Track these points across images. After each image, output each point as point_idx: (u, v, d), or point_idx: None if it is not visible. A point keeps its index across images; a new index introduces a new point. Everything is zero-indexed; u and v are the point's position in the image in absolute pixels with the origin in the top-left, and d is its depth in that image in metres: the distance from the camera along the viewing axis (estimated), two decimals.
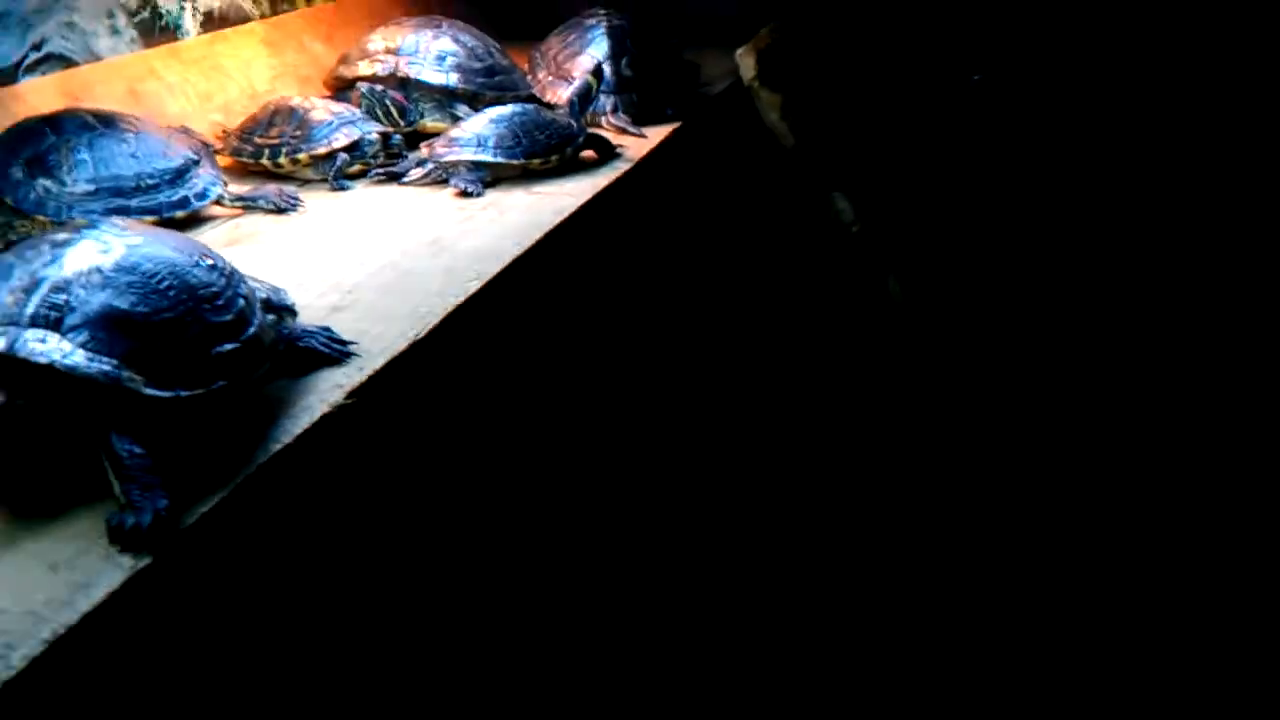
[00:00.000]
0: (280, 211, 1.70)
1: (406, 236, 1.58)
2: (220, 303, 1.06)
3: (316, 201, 1.77)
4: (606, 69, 2.14)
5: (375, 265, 1.48)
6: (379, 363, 1.21)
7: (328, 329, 1.24)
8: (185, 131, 1.77)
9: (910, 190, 2.60)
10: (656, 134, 2.09)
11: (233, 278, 1.11)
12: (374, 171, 1.86)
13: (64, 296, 0.97)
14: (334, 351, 1.21)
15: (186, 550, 0.91)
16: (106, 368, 0.94)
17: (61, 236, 1.05)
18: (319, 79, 2.17)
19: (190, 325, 1.02)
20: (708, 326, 2.34)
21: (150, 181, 1.61)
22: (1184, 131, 2.23)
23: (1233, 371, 2.09)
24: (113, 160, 1.59)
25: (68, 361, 0.93)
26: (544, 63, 2.30)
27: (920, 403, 2.38)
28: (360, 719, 1.23)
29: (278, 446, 1.05)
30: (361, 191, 1.83)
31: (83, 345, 0.95)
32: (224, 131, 1.94)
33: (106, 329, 0.97)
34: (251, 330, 1.08)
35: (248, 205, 1.71)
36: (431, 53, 2.03)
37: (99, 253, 1.01)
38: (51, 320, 0.96)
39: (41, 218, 1.52)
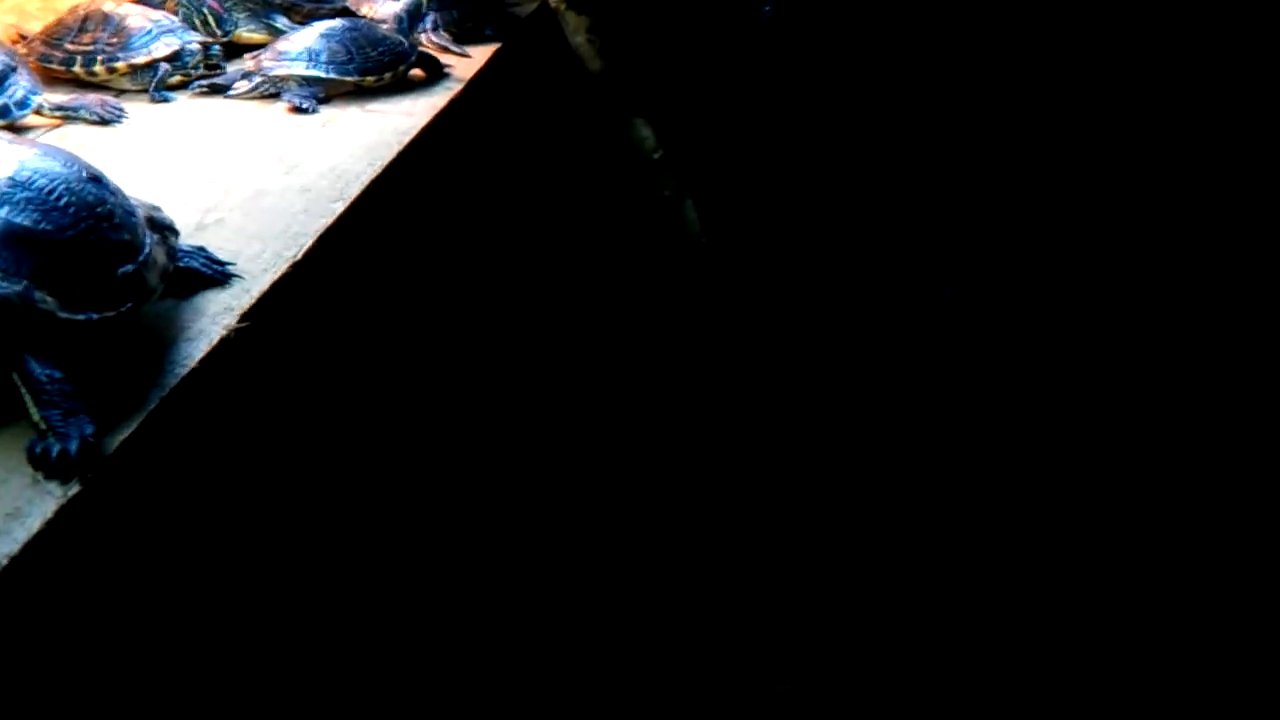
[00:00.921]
0: (104, 123, 1.61)
1: (251, 153, 1.53)
2: (117, 221, 1.02)
3: (139, 113, 1.68)
4: None
5: (228, 182, 1.43)
6: (265, 283, 1.18)
7: (203, 249, 1.20)
8: None
9: (710, 118, 2.67)
10: (479, 54, 2.08)
11: (119, 194, 1.07)
12: (196, 83, 1.78)
13: None
14: (214, 272, 1.18)
15: (113, 477, 0.89)
16: (18, 288, 0.89)
17: None
18: None
19: (93, 244, 0.97)
20: (518, 259, 2.35)
21: None
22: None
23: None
24: None
25: None
26: None
27: (720, 339, 2.45)
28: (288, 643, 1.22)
29: (183, 371, 1.02)
30: (185, 103, 1.75)
31: None
32: (19, 35, 1.80)
33: (11, 248, 0.92)
34: (147, 250, 1.04)
35: (68, 115, 1.61)
36: None
37: None
38: None
39: None
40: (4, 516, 0.82)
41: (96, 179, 1.05)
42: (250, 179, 1.45)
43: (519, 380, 2.00)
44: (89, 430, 0.87)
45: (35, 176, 0.96)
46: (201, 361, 1.04)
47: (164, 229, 1.13)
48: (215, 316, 1.11)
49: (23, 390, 0.89)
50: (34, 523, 0.81)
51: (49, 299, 0.91)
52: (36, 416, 0.88)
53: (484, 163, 2.05)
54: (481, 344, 1.94)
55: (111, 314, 0.96)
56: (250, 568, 1.15)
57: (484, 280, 2.04)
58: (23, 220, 0.93)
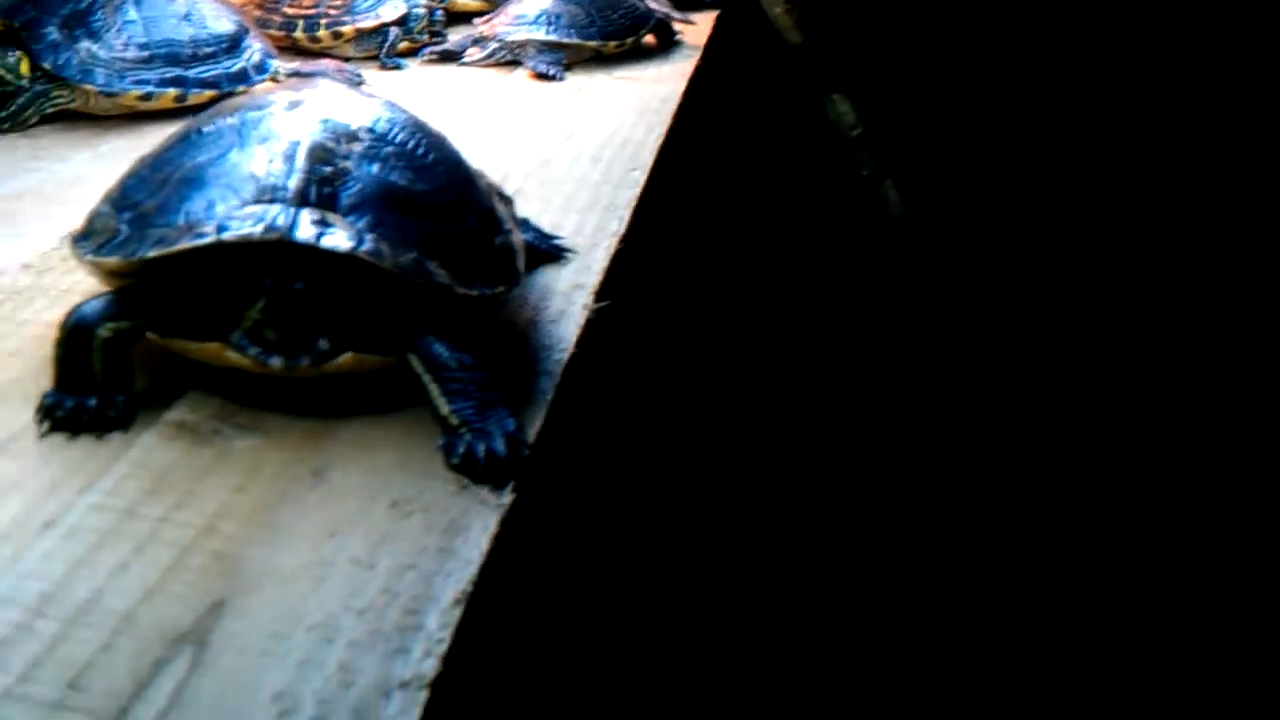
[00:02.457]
0: None
1: (519, 121, 1.39)
2: (479, 183, 0.87)
3: (374, 80, 1.54)
4: None
5: (509, 151, 1.29)
6: (603, 258, 1.04)
7: (528, 220, 1.05)
8: None
9: (914, 95, 2.50)
10: (702, 20, 1.93)
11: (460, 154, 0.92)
12: (425, 50, 1.64)
13: (329, 169, 0.77)
14: (549, 247, 1.03)
15: (537, 479, 0.74)
16: (410, 258, 0.75)
17: (283, 95, 0.84)
18: None
19: (468, 209, 0.83)
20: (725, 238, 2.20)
21: (207, 49, 1.36)
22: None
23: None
24: (164, 21, 1.34)
25: (370, 249, 0.73)
26: None
27: (918, 320, 2.29)
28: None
29: (562, 356, 0.87)
30: (417, 71, 1.61)
31: (370, 230, 0.75)
32: None
33: (393, 212, 0.77)
34: (505, 219, 0.89)
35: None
36: None
37: (345, 116, 0.81)
38: (324, 197, 0.75)
39: (89, 87, 1.26)
40: (441, 533, 0.67)
41: (442, 135, 0.90)
42: (532, 148, 1.31)
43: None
44: (510, 426, 0.72)
45: (394, 129, 0.82)
46: (576, 344, 0.89)
47: (503, 197, 0.99)
48: (568, 295, 0.97)
49: (426, 378, 0.74)
50: (480, 538, 0.66)
51: (440, 271, 0.76)
52: (445, 409, 0.73)
53: (709, 134, 1.90)
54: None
55: (502, 289, 0.81)
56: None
57: (701, 258, 1.89)
58: (399, 180, 0.79)
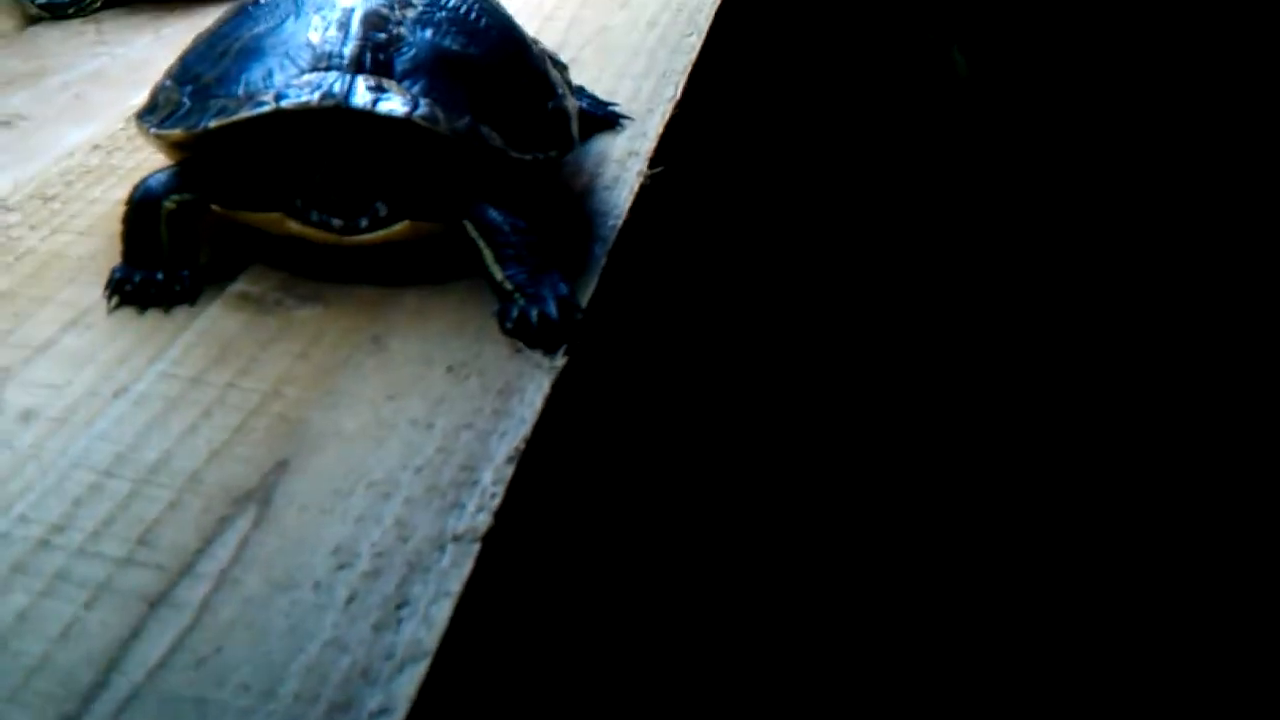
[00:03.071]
0: None
1: None
2: (532, 49, 0.87)
3: None
4: None
5: (565, 19, 1.28)
6: (657, 124, 1.03)
7: (583, 88, 1.04)
8: None
9: (1028, 44, 2.41)
10: None
11: (513, 20, 0.91)
12: None
13: (384, 35, 0.77)
14: (604, 113, 1.02)
15: (588, 344, 0.75)
16: (464, 122, 0.75)
17: None
18: None
19: (520, 75, 0.83)
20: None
21: None
22: None
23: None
24: None
25: (425, 113, 0.74)
26: None
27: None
28: None
29: (616, 222, 0.88)
30: None
31: (425, 95, 0.75)
32: None
33: (445, 77, 0.77)
34: (558, 84, 0.89)
35: None
36: None
37: None
38: (380, 63, 0.76)
39: None
40: (499, 393, 0.68)
41: (496, 1, 0.90)
42: (589, 15, 1.29)
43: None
44: (564, 290, 0.73)
45: None
46: (630, 211, 0.89)
47: (557, 63, 0.98)
48: (623, 161, 0.97)
49: (481, 244, 0.75)
50: (535, 398, 0.68)
51: (494, 135, 0.77)
52: (500, 276, 0.74)
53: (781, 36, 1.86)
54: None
55: (554, 154, 0.81)
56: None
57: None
58: (453, 45, 0.79)
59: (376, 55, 0.76)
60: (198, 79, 0.79)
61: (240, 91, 0.75)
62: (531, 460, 0.65)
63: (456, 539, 0.56)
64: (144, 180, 0.76)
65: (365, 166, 0.75)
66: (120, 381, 0.68)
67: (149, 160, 0.90)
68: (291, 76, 0.75)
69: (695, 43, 1.22)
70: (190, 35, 0.87)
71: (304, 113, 0.73)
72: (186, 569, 0.53)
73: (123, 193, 0.80)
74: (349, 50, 0.75)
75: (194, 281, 0.76)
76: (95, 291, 0.77)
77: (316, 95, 0.73)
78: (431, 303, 0.76)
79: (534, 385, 0.69)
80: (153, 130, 0.78)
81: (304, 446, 0.63)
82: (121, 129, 1.02)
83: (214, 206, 0.77)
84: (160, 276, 0.76)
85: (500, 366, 0.71)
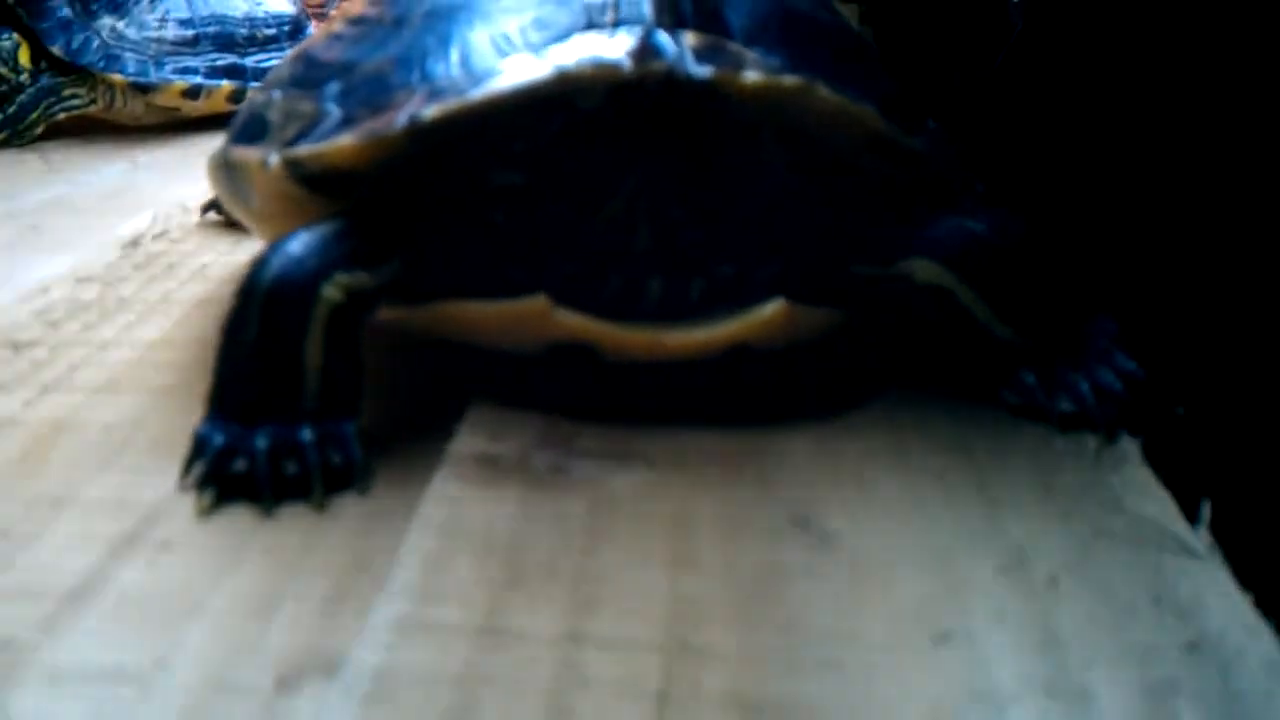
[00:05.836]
0: None
1: None
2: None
3: None
4: None
5: None
6: None
7: None
8: None
9: None
10: None
11: None
12: None
13: None
14: None
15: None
16: (918, 125, 0.41)
17: None
18: None
19: (845, 34, 0.47)
20: None
21: (267, 32, 1.01)
22: None
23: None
24: None
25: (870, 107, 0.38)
26: None
27: None
28: None
29: None
30: None
31: (794, 69, 0.38)
32: None
33: (802, 42, 0.42)
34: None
35: None
36: None
37: None
38: (705, 15, 0.40)
39: (116, 77, 0.90)
40: None
41: None
42: None
43: None
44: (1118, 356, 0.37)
45: None
46: None
47: None
48: None
49: (962, 292, 0.38)
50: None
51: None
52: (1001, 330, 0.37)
53: None
54: None
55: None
56: None
57: None
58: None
59: (698, 4, 0.39)
60: (350, 69, 0.41)
61: (456, 70, 0.38)
62: None
63: None
64: (272, 251, 0.37)
65: (705, 199, 0.38)
66: (260, 685, 0.26)
67: (166, 289, 0.54)
68: (550, 36, 0.38)
69: None
70: (180, 163, 0.69)
71: (589, 101, 0.38)
72: None
73: (151, 331, 0.52)
74: None
75: (359, 445, 0.36)
76: (155, 481, 0.36)
77: (628, 57, 0.36)
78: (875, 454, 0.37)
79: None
80: (283, 154, 0.39)
81: None
82: (121, 256, 0.64)
83: (397, 300, 0.38)
84: (306, 437, 0.36)
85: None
